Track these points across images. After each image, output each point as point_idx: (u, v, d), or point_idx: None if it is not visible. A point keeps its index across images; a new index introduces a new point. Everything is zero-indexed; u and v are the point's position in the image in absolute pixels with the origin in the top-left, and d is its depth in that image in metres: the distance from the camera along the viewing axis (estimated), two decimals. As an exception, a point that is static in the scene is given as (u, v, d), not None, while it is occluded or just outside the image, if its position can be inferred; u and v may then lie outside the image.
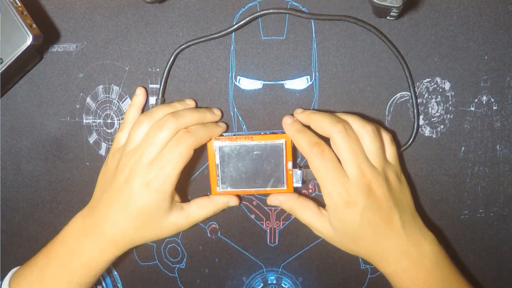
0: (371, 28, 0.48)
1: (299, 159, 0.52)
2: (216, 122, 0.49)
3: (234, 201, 0.50)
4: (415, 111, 0.49)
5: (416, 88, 0.50)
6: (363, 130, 0.45)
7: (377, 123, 0.50)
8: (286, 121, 0.47)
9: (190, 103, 0.50)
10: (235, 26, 0.48)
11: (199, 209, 0.49)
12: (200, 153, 0.51)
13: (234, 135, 0.48)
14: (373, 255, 0.46)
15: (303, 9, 0.49)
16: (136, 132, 0.46)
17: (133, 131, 0.46)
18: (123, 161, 0.46)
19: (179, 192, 0.50)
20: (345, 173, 0.44)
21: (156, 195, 0.45)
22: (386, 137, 0.47)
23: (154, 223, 0.47)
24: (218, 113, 0.49)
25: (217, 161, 0.48)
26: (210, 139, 0.47)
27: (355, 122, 0.45)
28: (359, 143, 0.44)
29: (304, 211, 0.48)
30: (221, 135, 0.48)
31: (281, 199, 0.49)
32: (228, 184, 0.49)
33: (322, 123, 0.45)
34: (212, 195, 0.50)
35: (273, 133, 0.48)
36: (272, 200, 0.49)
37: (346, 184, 0.43)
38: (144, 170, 0.44)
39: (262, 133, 0.49)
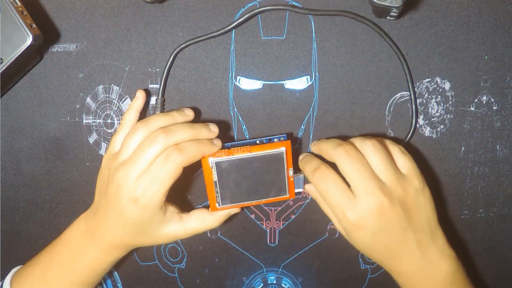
0: (369, 23, 0.48)
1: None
2: (212, 139, 0.46)
3: (235, 210, 0.49)
4: (414, 106, 0.49)
5: (416, 88, 0.49)
6: (363, 146, 0.43)
7: (377, 123, 0.50)
8: (299, 158, 0.48)
9: (189, 113, 0.48)
10: (234, 24, 0.48)
11: (199, 223, 0.48)
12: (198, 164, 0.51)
13: (230, 146, 0.46)
14: (384, 266, 0.46)
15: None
16: (130, 141, 0.45)
17: (127, 140, 0.45)
18: (113, 172, 0.45)
19: (178, 199, 0.49)
20: (352, 195, 0.42)
21: (145, 211, 0.44)
22: (395, 148, 0.45)
23: (150, 232, 0.46)
24: (214, 130, 0.46)
25: (215, 178, 0.46)
26: (203, 157, 0.45)
27: (355, 141, 0.44)
28: (364, 161, 0.43)
29: (326, 207, 0.47)
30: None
31: (314, 196, 0.48)
32: (228, 200, 0.47)
33: (325, 149, 0.44)
34: (212, 211, 0.48)
35: (270, 140, 0.47)
36: (308, 190, 0.49)
37: (355, 207, 0.42)
38: (131, 186, 0.43)
39: (258, 141, 0.47)
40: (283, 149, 0.45)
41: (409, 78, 0.49)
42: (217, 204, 0.47)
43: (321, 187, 0.44)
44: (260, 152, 0.45)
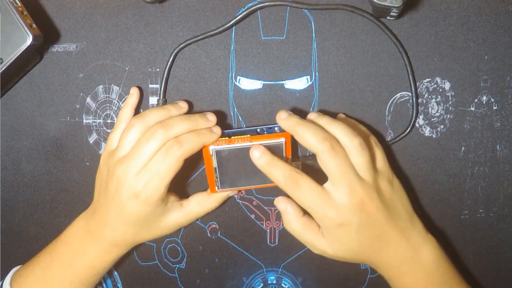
0: (368, 15, 0.48)
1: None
2: (210, 127, 0.47)
3: (233, 191, 0.50)
4: (414, 99, 0.49)
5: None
6: (351, 144, 0.42)
7: (377, 123, 0.50)
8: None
9: (183, 105, 0.48)
10: (233, 21, 0.48)
11: (199, 206, 0.49)
12: (200, 154, 0.51)
13: (230, 134, 0.47)
14: (373, 262, 0.46)
15: (304, 11, 0.49)
16: (127, 137, 0.45)
17: (124, 136, 0.45)
18: (112, 169, 0.45)
19: (178, 190, 0.50)
20: (329, 195, 0.42)
21: (147, 206, 0.44)
22: (371, 141, 0.46)
23: (152, 226, 0.47)
24: (212, 118, 0.46)
25: (215, 165, 0.46)
26: (204, 147, 0.46)
27: (342, 135, 0.43)
28: (347, 159, 0.42)
29: (306, 232, 0.45)
30: None
31: (285, 216, 0.46)
32: (227, 184, 0.48)
33: (307, 139, 0.42)
34: (211, 193, 0.49)
35: (270, 133, 0.47)
36: (279, 205, 0.46)
37: (335, 206, 0.42)
38: (132, 181, 0.43)
39: (258, 129, 0.48)
40: (282, 140, 0.46)
41: (409, 70, 0.49)
42: (216, 188, 0.48)
43: (297, 195, 0.43)
44: (260, 141, 0.45)
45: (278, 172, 0.43)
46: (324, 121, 0.44)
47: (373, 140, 0.47)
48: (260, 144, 0.45)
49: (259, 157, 0.44)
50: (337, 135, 0.43)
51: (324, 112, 0.50)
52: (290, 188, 0.43)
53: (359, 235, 0.43)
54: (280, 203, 0.46)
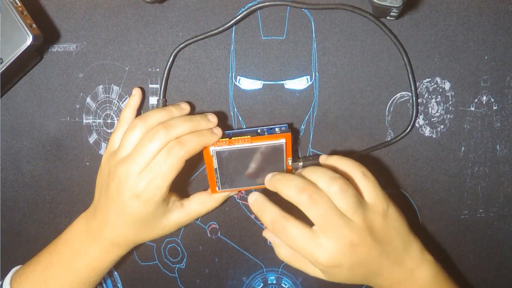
0: (367, 15, 0.48)
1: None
2: (211, 128, 0.47)
3: (233, 192, 0.50)
4: (414, 99, 0.49)
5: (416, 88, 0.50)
6: (330, 191, 0.41)
7: (377, 123, 0.50)
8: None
9: (185, 107, 0.48)
10: (233, 21, 0.48)
11: (200, 205, 0.49)
12: (200, 154, 0.51)
13: (231, 134, 0.47)
14: (368, 284, 0.46)
15: (304, 11, 0.49)
16: (129, 137, 0.45)
17: (126, 136, 0.45)
18: (113, 169, 0.45)
19: (178, 189, 0.50)
20: (318, 237, 0.41)
21: (148, 205, 0.44)
22: (357, 174, 0.44)
23: (153, 226, 0.47)
24: (213, 119, 0.47)
25: (215, 165, 0.47)
26: (205, 148, 0.46)
27: (321, 182, 0.42)
28: (329, 204, 0.41)
29: (298, 261, 0.45)
30: None
31: (276, 248, 0.46)
32: (228, 185, 0.48)
33: (287, 193, 0.42)
34: (212, 193, 0.49)
35: (271, 134, 0.47)
36: (267, 237, 0.46)
37: (325, 249, 0.41)
38: (133, 181, 0.43)
39: (259, 130, 0.48)
40: (283, 141, 0.46)
41: (409, 69, 0.49)
42: (217, 188, 0.48)
43: (285, 239, 0.42)
44: (260, 142, 0.46)
45: (266, 215, 0.43)
46: (306, 171, 0.44)
47: (360, 172, 0.44)
48: (261, 145, 0.45)
49: (253, 202, 0.44)
50: (317, 182, 0.42)
51: (324, 112, 0.50)
52: (279, 233, 0.42)
53: (352, 273, 0.43)
54: (268, 235, 0.46)
